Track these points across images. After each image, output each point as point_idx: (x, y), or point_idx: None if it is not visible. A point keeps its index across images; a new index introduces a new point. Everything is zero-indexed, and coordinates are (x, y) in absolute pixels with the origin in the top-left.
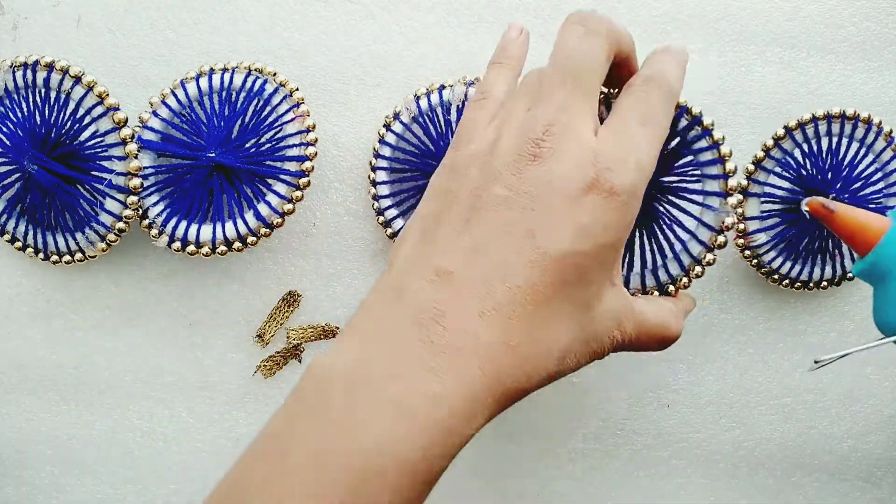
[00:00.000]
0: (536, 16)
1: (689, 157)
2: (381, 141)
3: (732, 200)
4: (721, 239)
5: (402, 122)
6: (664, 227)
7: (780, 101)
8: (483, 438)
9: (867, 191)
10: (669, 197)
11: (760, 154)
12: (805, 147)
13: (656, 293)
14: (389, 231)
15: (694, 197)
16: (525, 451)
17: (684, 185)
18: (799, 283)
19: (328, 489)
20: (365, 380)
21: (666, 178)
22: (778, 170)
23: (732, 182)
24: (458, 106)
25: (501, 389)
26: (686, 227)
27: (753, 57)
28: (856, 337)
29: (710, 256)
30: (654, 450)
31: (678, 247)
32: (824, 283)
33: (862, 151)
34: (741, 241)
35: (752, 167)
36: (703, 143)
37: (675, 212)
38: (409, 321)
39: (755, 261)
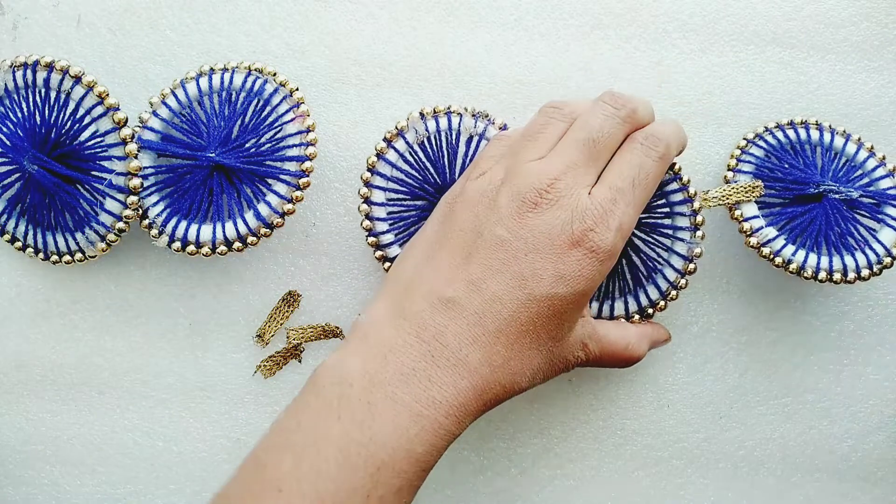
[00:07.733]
0: (536, 16)
1: (662, 200)
2: (380, 157)
3: (700, 234)
4: (692, 266)
5: (406, 142)
6: (641, 257)
7: (780, 101)
8: (483, 438)
9: (857, 173)
10: (644, 231)
11: (732, 162)
12: (776, 146)
13: (637, 317)
14: (379, 254)
15: (665, 231)
16: (525, 451)
17: (656, 221)
18: (825, 274)
19: (350, 474)
20: (380, 384)
21: (641, 215)
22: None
23: (699, 218)
24: (467, 138)
25: (484, 398)
26: (660, 257)
27: (753, 57)
28: (856, 337)
29: (683, 281)
30: (654, 450)
31: (655, 274)
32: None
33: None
34: (753, 239)
35: (729, 174)
36: (674, 185)
37: (648, 245)
38: (413, 336)
39: (777, 258)
